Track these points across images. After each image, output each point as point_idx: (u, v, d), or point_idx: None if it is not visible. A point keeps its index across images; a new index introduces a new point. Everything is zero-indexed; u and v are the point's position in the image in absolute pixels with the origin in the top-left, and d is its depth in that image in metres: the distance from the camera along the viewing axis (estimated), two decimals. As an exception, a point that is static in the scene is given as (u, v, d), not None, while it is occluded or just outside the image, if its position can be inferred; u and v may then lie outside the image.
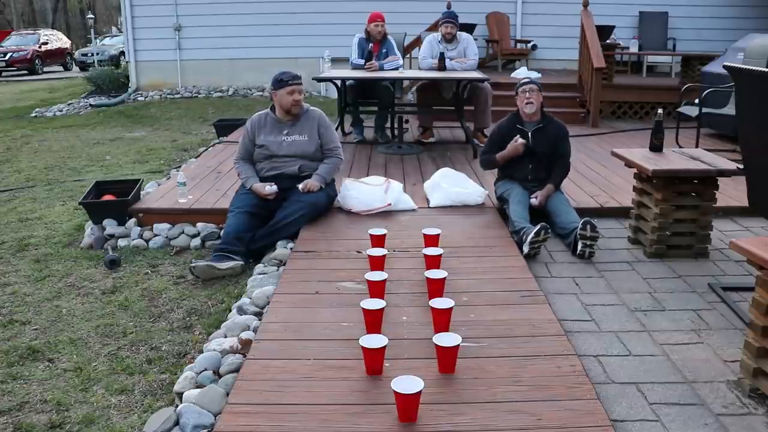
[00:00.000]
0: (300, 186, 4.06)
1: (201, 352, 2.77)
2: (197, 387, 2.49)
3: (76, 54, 22.92)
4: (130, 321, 3.21)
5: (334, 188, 4.33)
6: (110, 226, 4.33)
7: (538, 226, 3.56)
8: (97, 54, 17.56)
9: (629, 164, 3.81)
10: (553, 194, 4.02)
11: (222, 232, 3.97)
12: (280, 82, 4.08)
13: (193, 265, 3.68)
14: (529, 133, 4.07)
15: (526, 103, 4.05)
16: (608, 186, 4.86)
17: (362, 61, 6.23)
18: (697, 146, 5.45)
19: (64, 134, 8.64)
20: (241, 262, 3.71)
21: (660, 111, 3.94)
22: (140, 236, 4.25)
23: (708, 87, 5.96)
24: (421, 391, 2.06)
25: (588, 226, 3.56)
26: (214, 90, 11.22)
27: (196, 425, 2.22)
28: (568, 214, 3.85)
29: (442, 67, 6.20)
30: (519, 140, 4.03)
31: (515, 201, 3.92)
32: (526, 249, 3.58)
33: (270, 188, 4.04)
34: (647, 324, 2.89)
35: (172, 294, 3.51)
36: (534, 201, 4.00)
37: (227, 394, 2.35)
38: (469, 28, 8.50)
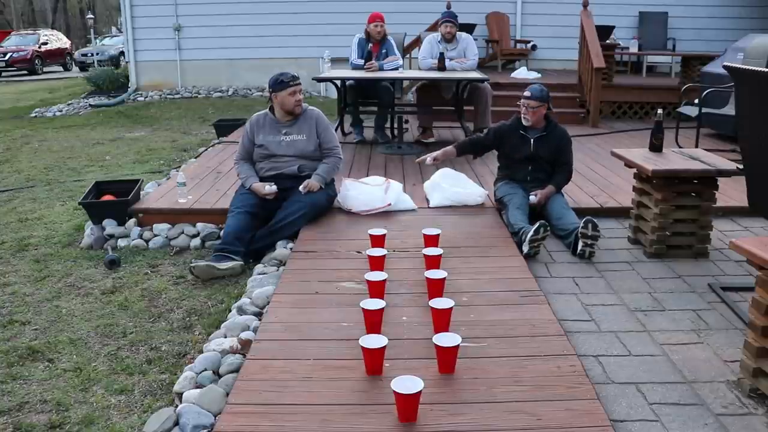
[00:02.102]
0: (301, 187, 4.06)
1: (201, 352, 2.77)
2: (197, 387, 2.49)
3: (76, 54, 22.93)
4: (130, 321, 3.21)
5: (333, 188, 4.33)
6: (110, 226, 4.32)
7: (537, 224, 3.56)
8: (97, 54, 17.57)
9: (629, 164, 3.81)
10: (552, 196, 4.02)
11: (222, 232, 3.97)
12: (281, 84, 4.08)
13: (192, 265, 3.67)
14: (532, 140, 4.06)
15: (522, 117, 4.05)
16: (608, 186, 4.86)
17: (362, 62, 6.23)
18: (696, 146, 5.45)
19: (64, 134, 8.64)
20: (241, 263, 3.71)
21: (660, 111, 3.93)
22: (140, 236, 4.24)
23: (708, 87, 5.96)
24: (421, 391, 2.06)
25: (590, 225, 3.56)
26: (214, 90, 11.23)
27: (196, 425, 2.22)
28: (567, 216, 3.84)
29: (442, 67, 6.20)
30: (428, 158, 4.20)
31: (514, 207, 3.91)
32: (525, 248, 3.58)
33: (269, 188, 4.04)
34: (647, 324, 2.89)
35: (172, 294, 3.51)
36: (533, 198, 3.99)
37: (227, 394, 2.35)
38: (469, 28, 8.51)
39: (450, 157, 4.32)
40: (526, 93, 4.03)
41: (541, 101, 3.99)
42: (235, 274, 3.67)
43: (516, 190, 4.07)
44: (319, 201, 4.11)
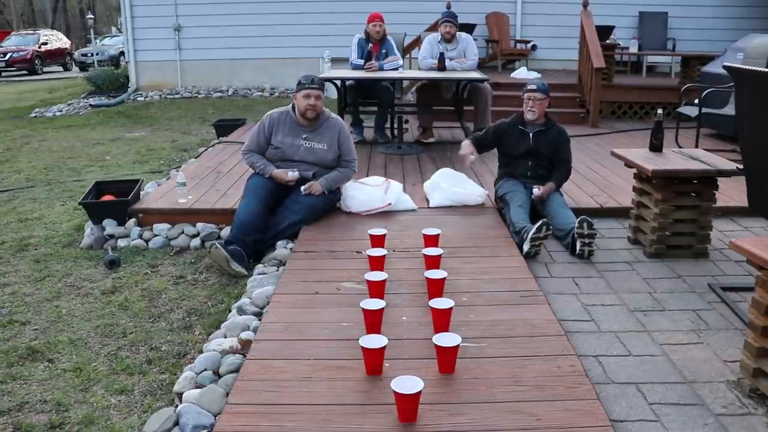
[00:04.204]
0: (302, 187, 4.04)
1: (201, 352, 2.77)
2: (197, 387, 2.49)
3: (76, 54, 22.92)
4: (129, 321, 3.21)
5: (336, 192, 4.23)
6: (110, 226, 4.32)
7: (539, 222, 3.56)
8: (97, 54, 17.56)
9: (629, 164, 3.81)
10: (551, 196, 4.02)
11: (243, 222, 3.79)
12: (298, 85, 4.06)
13: (215, 246, 3.59)
14: (531, 134, 4.07)
15: (528, 110, 4.06)
16: (608, 186, 4.86)
17: (362, 62, 6.23)
18: (696, 146, 5.45)
19: (64, 134, 8.64)
20: (246, 273, 3.67)
21: (660, 111, 3.93)
22: (140, 236, 4.24)
23: (708, 87, 5.96)
24: (421, 391, 2.06)
25: (585, 224, 3.56)
26: (214, 90, 11.23)
27: (195, 425, 2.22)
28: (565, 215, 3.84)
29: (442, 67, 6.20)
30: (472, 157, 4.18)
31: (516, 205, 3.91)
32: (526, 247, 3.57)
33: (293, 174, 4.03)
34: (647, 324, 2.89)
35: (172, 294, 3.51)
36: (536, 191, 3.99)
37: (227, 394, 2.35)
38: (469, 28, 8.51)
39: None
40: (531, 86, 4.07)
41: (545, 93, 4.06)
42: (237, 277, 3.66)
43: (517, 188, 4.07)
44: (317, 204, 4.06)
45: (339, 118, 4.23)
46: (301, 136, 4.11)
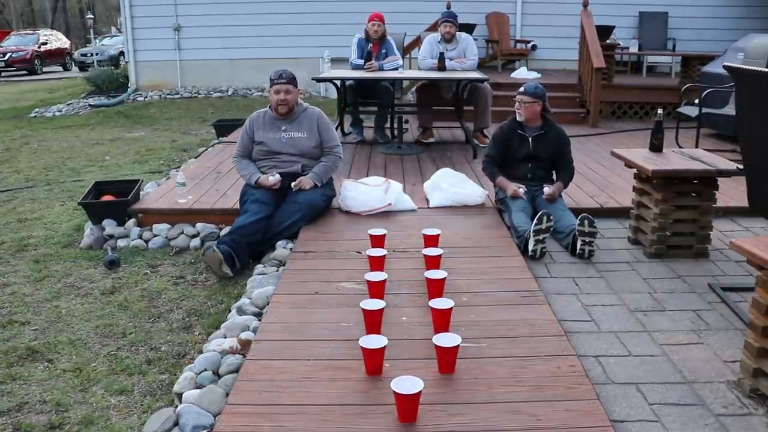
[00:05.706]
0: (293, 184, 4.05)
1: (200, 352, 2.77)
2: (197, 387, 2.49)
3: (76, 54, 22.92)
4: (129, 321, 3.21)
5: (332, 188, 4.32)
6: (110, 226, 4.32)
7: (539, 214, 3.55)
8: (97, 54, 17.57)
9: (629, 164, 3.80)
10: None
11: (237, 225, 3.80)
12: (270, 81, 4.14)
13: (212, 249, 3.57)
14: (530, 139, 4.06)
15: (516, 110, 4.06)
16: (608, 186, 4.86)
17: (362, 62, 6.23)
18: (697, 146, 5.45)
19: (64, 134, 8.64)
20: (230, 275, 3.63)
21: (660, 111, 3.93)
22: (140, 236, 4.24)
23: (708, 87, 5.96)
24: (421, 391, 2.06)
25: (586, 221, 3.55)
26: (213, 90, 11.23)
27: (195, 426, 2.22)
28: (567, 218, 3.82)
29: (442, 67, 6.20)
30: (521, 190, 3.98)
31: (518, 210, 3.88)
32: (531, 244, 3.56)
33: (273, 178, 4.03)
34: (647, 324, 2.89)
35: (172, 294, 3.51)
36: (547, 190, 3.98)
37: (227, 395, 2.35)
38: (469, 28, 8.51)
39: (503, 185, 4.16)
40: (520, 89, 4.07)
41: (534, 97, 4.01)
42: (228, 278, 3.64)
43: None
44: (316, 202, 4.09)
45: (317, 108, 4.28)
46: (280, 129, 4.16)
